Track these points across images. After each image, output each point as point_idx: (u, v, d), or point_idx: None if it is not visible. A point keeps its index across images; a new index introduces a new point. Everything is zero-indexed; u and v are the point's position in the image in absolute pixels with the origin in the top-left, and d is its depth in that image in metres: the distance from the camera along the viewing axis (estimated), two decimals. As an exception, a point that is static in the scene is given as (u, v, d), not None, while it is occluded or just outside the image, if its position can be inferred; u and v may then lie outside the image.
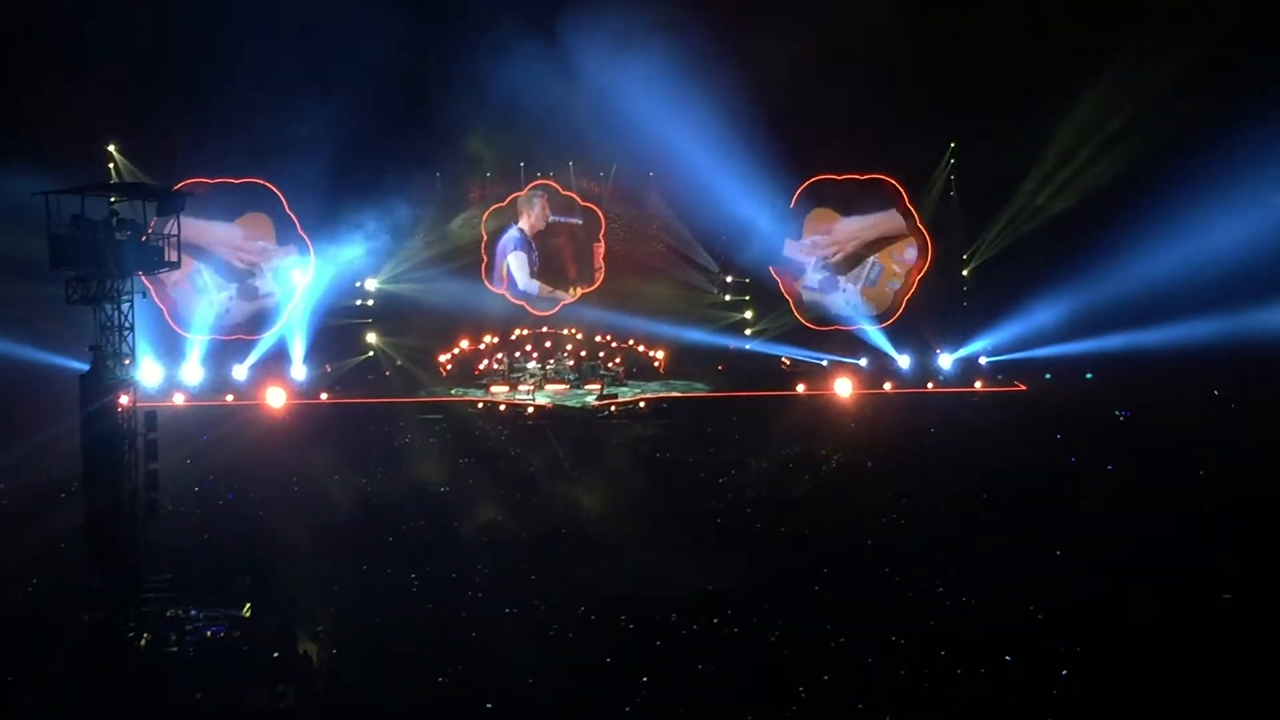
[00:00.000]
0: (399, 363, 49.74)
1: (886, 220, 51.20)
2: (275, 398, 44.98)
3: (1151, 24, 42.61)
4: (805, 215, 51.23)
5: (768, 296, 51.70)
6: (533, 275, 52.02)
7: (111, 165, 46.39)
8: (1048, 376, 47.89)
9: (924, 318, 51.05)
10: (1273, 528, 28.64)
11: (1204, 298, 41.92)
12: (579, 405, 46.82)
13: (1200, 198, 42.38)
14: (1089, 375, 47.37)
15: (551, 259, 52.39)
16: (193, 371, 47.14)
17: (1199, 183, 42.38)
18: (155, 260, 23.85)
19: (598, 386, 48.55)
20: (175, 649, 22.54)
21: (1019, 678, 21.59)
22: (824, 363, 50.33)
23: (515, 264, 51.71)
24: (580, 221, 52.10)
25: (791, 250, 51.30)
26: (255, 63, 41.81)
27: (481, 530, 30.49)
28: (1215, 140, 41.56)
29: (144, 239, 23.25)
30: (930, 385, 48.59)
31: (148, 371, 42.52)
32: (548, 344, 52.15)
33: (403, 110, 46.04)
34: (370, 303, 51.01)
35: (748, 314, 52.34)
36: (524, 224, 51.76)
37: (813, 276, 51.55)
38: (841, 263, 51.54)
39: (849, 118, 47.08)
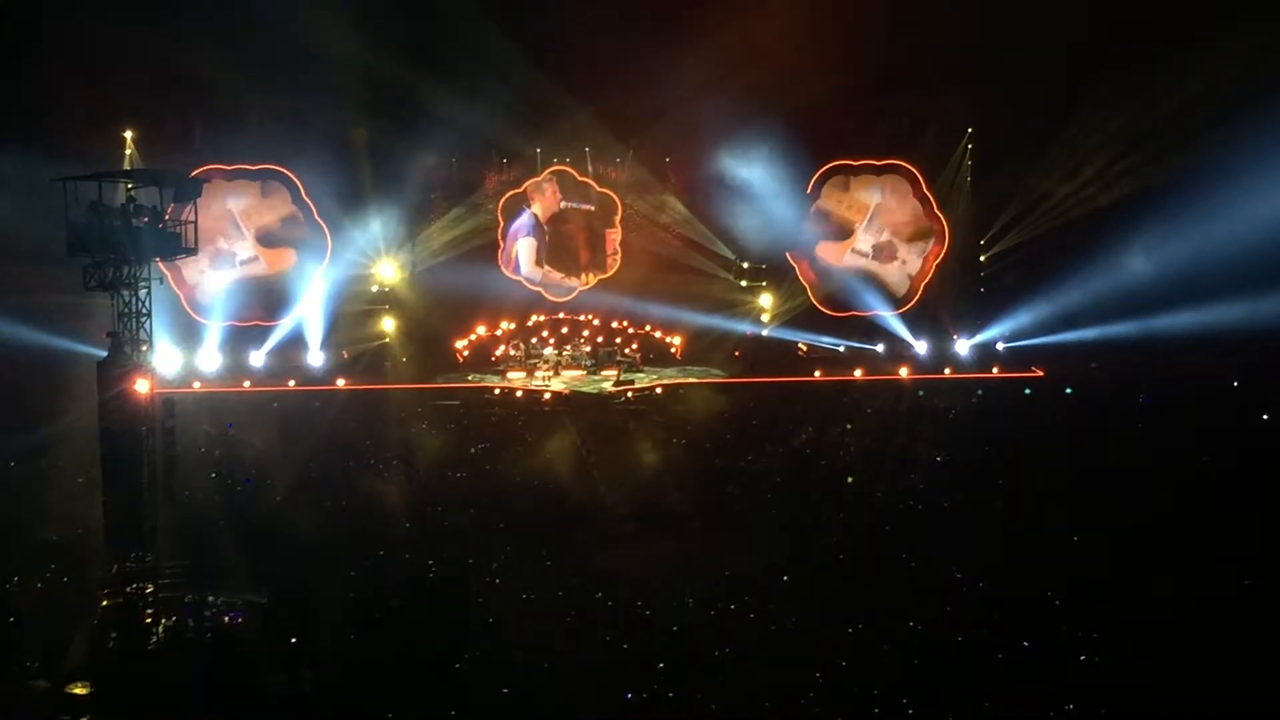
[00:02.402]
0: (404, 359, 49.64)
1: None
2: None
3: (1176, 8, 42.47)
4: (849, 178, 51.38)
5: (784, 282, 51.63)
6: (543, 260, 51.99)
7: (128, 152, 46.32)
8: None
9: (940, 303, 50.99)
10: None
11: (1227, 283, 41.79)
12: (595, 391, 46.79)
13: (1227, 181, 42.21)
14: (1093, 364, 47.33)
15: (563, 245, 52.31)
16: (210, 357, 47.23)
17: (1225, 165, 42.18)
18: (172, 246, 23.88)
19: (614, 372, 48.51)
20: (193, 635, 22.62)
21: (1038, 664, 21.57)
22: (840, 349, 50.32)
23: (524, 250, 51.67)
24: (593, 207, 51.99)
25: (830, 203, 51.31)
26: (271, 50, 41.88)
27: (498, 516, 30.48)
28: (1243, 122, 41.44)
29: (161, 225, 23.28)
30: (947, 371, 48.51)
31: (165, 358, 42.65)
32: (564, 330, 52.06)
33: (419, 96, 45.97)
34: (386, 289, 50.97)
35: (765, 299, 52.15)
36: (536, 208, 51.68)
37: (864, 240, 51.40)
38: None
39: (866, 103, 47.13)
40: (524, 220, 51.63)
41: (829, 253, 51.31)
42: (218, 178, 46.94)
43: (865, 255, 51.23)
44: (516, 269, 51.79)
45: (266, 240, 49.13)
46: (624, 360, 49.75)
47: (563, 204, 51.83)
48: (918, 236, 51.01)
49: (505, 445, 38.25)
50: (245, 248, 48.94)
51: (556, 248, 52.16)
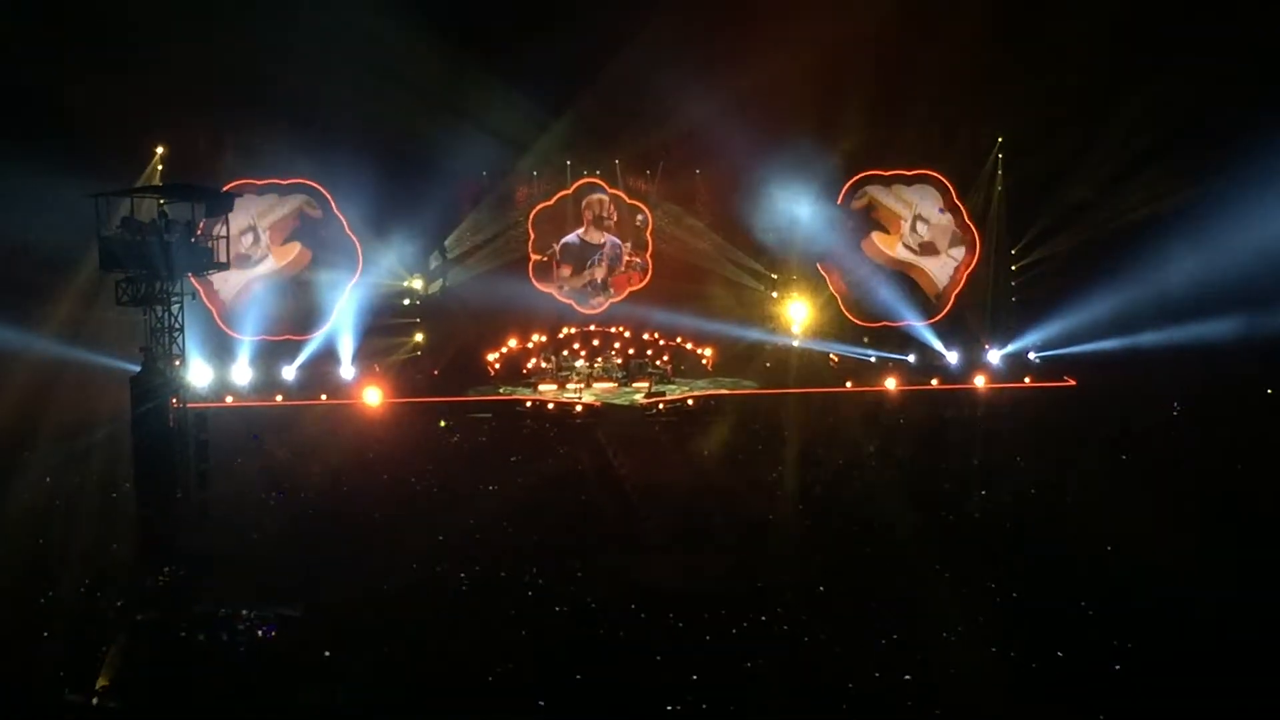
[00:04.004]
0: (435, 372, 49.76)
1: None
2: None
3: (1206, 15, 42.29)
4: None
5: (815, 293, 51.49)
6: (586, 275, 52.37)
7: (159, 168, 46.51)
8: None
9: (972, 313, 50.83)
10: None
11: (1267, 291, 41.58)
12: (627, 403, 46.80)
13: (1265, 188, 41.98)
14: None
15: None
16: (242, 372, 47.41)
17: (1263, 172, 41.94)
18: (204, 261, 24.03)
19: (646, 384, 48.53)
20: (228, 648, 22.64)
21: (1071, 674, 21.40)
22: (871, 359, 50.21)
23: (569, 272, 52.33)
24: (626, 244, 52.39)
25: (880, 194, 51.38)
26: (302, 64, 42.07)
27: (530, 528, 30.43)
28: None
29: (193, 240, 23.40)
30: (982, 381, 48.28)
31: (198, 372, 42.79)
32: (595, 342, 52.10)
33: (449, 110, 46.04)
34: (417, 302, 51.13)
35: (796, 310, 51.99)
36: (581, 232, 52.13)
37: (911, 236, 51.32)
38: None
39: (896, 113, 47.05)
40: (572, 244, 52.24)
41: (879, 244, 51.18)
42: (249, 192, 47.18)
43: (914, 250, 51.06)
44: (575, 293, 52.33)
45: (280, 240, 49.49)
46: (655, 372, 49.80)
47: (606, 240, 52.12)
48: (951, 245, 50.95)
49: (538, 456, 38.34)
50: (259, 249, 49.24)
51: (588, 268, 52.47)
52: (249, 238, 48.56)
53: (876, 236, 51.17)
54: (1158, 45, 43.25)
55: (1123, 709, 20.00)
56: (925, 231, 50.94)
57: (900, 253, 51.20)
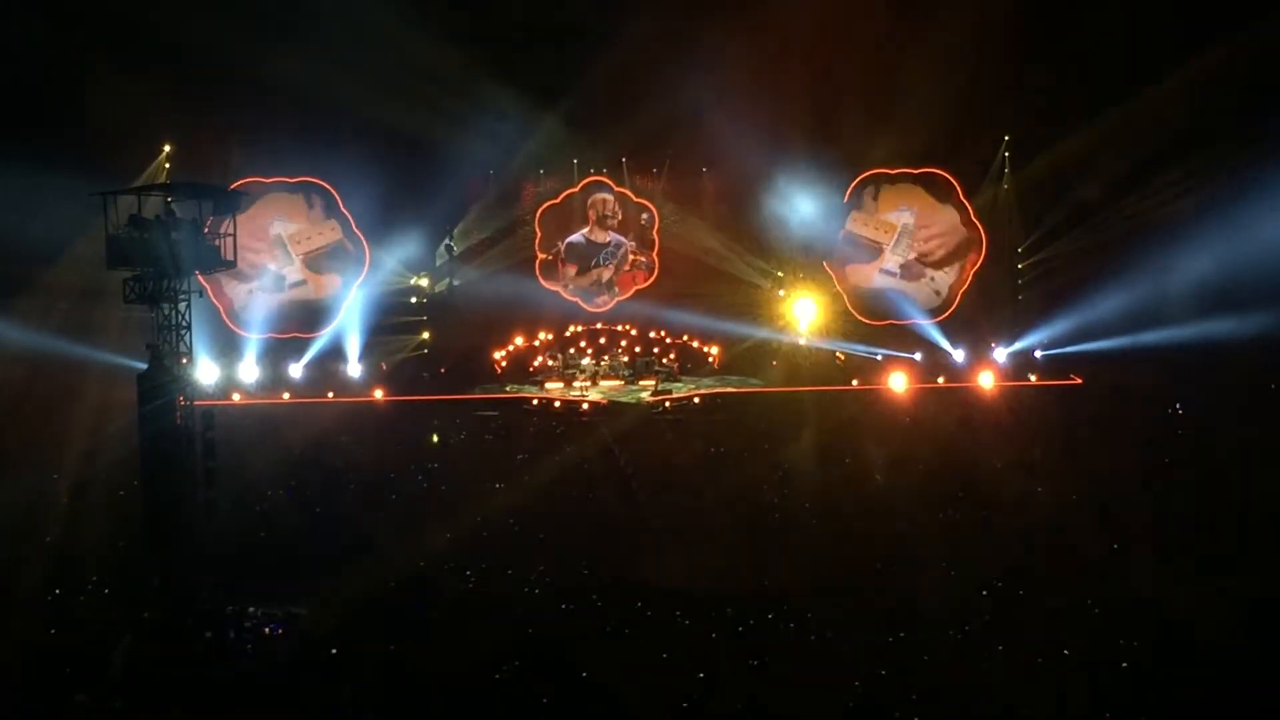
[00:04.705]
0: (442, 370, 49.72)
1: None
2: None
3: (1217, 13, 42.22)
4: (880, 188, 51.09)
5: (822, 292, 51.39)
6: (591, 275, 52.31)
7: (167, 166, 46.49)
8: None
9: (979, 311, 50.72)
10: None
11: (1271, 292, 41.50)
12: (633, 401, 46.80)
13: (1272, 187, 41.93)
14: None
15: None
16: (249, 370, 47.44)
17: (1270, 172, 41.89)
18: (212, 259, 24.02)
19: (652, 382, 48.54)
20: (234, 647, 22.66)
21: (1079, 672, 21.39)
22: (878, 357, 50.12)
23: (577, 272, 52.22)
24: (630, 243, 52.19)
25: (858, 225, 51.16)
26: (308, 62, 42.02)
27: (537, 526, 30.44)
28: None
29: (199, 239, 23.42)
30: (989, 379, 48.22)
31: (205, 370, 42.90)
32: (602, 340, 52.06)
33: (457, 108, 46.02)
34: (424, 300, 51.13)
35: (802, 309, 51.89)
36: (586, 231, 52.00)
37: (892, 259, 51.25)
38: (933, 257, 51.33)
39: (903, 111, 46.95)
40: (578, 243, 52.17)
41: (851, 278, 51.10)
42: (256, 191, 47.23)
43: (894, 275, 51.00)
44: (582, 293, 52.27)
45: (312, 265, 49.28)
46: (662, 370, 49.79)
47: (611, 238, 52.04)
48: (954, 248, 50.78)
49: (544, 454, 38.34)
50: (293, 271, 49.09)
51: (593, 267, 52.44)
52: (280, 255, 48.61)
53: (851, 269, 51.12)
54: (1165, 45, 43.21)
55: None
56: (909, 251, 50.83)
57: (877, 280, 51.12)
